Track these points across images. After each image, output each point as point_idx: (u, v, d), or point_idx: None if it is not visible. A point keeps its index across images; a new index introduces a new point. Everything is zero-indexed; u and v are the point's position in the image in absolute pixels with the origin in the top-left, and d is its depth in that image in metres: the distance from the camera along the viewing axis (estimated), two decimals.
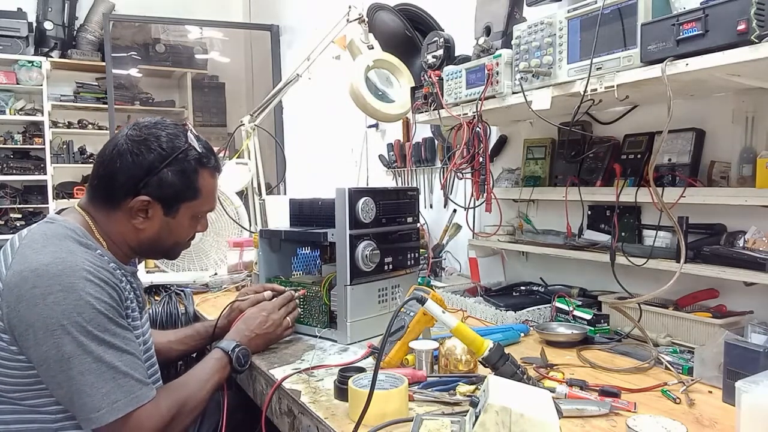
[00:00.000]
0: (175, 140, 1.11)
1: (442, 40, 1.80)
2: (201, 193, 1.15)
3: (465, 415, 0.89)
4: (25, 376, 0.98)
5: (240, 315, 1.39)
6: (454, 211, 2.17)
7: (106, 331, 0.98)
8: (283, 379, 1.16)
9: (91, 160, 4.64)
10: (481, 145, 1.64)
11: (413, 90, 1.85)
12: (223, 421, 1.26)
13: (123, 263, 1.16)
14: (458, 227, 2.14)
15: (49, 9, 4.57)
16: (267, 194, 2.53)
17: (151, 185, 1.09)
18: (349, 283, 1.39)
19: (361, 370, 1.09)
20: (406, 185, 2.51)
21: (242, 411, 1.42)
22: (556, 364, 1.22)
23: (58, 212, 1.15)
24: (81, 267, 0.98)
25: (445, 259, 2.22)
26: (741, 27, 0.95)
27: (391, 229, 1.51)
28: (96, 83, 4.90)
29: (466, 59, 1.65)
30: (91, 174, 1.15)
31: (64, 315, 0.94)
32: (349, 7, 2.16)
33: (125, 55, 5.10)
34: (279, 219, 2.40)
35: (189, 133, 1.14)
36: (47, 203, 4.53)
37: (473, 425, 0.76)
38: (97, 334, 0.96)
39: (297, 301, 1.46)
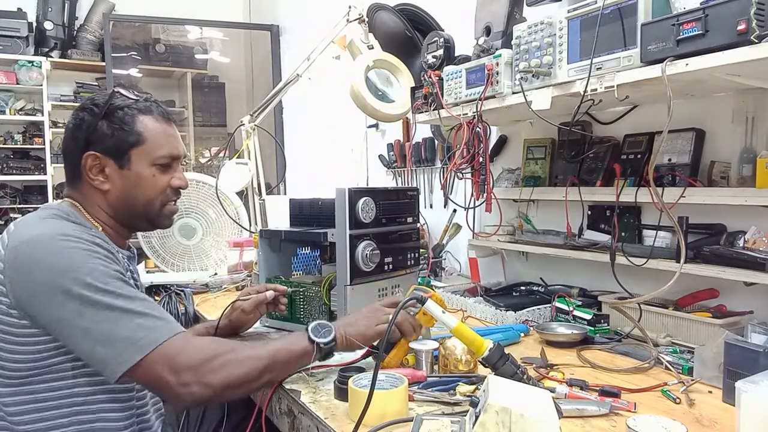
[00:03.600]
0: (105, 96, 1.15)
1: (442, 40, 1.80)
2: (144, 136, 1.13)
3: (465, 415, 0.89)
4: (36, 352, 0.99)
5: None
6: (454, 211, 2.17)
7: (109, 283, 0.96)
8: (283, 379, 1.16)
9: None
10: (481, 145, 1.64)
11: (413, 90, 1.85)
12: (223, 421, 1.26)
13: (120, 247, 1.17)
14: (458, 227, 2.14)
15: (49, 9, 4.57)
16: (267, 194, 2.52)
17: (93, 141, 1.12)
18: (349, 283, 1.38)
19: (361, 370, 1.09)
20: (406, 185, 2.51)
21: (242, 410, 1.42)
22: (556, 364, 1.22)
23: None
24: (70, 234, 1.00)
25: (445, 259, 2.22)
26: (741, 27, 0.95)
27: (391, 229, 1.51)
28: (96, 83, 4.89)
29: (466, 59, 1.65)
30: None
31: (60, 275, 0.94)
32: (349, 7, 2.16)
33: (125, 55, 5.09)
34: (279, 219, 2.40)
35: (122, 89, 1.17)
36: (47, 203, 4.54)
37: (473, 425, 0.76)
38: (100, 285, 0.95)
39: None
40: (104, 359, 0.93)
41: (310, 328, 1.08)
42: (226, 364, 0.96)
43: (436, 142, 2.36)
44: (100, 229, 1.14)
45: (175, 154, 1.19)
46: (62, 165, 1.19)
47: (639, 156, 1.48)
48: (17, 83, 4.46)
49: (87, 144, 1.12)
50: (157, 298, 2.00)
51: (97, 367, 0.96)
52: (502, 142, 2.03)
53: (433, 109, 1.72)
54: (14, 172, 4.53)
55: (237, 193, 2.55)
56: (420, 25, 2.14)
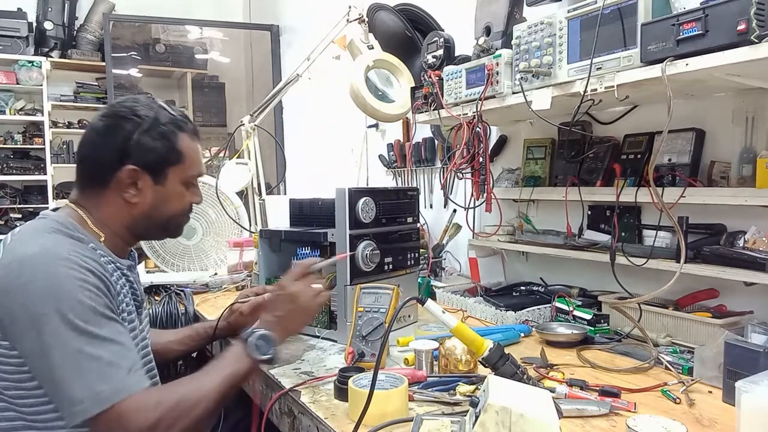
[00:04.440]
0: (147, 107, 1.12)
1: (442, 40, 1.80)
2: (184, 155, 1.13)
3: (465, 415, 0.89)
4: (21, 372, 0.97)
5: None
6: (454, 211, 2.17)
7: (89, 321, 0.94)
8: (291, 388, 1.13)
9: None
10: (481, 145, 1.64)
11: (413, 90, 1.85)
12: (220, 423, 1.26)
13: (119, 257, 1.14)
14: (458, 227, 2.14)
15: (49, 9, 4.57)
16: (267, 194, 2.53)
17: (133, 154, 1.08)
18: (349, 283, 1.38)
19: (361, 370, 1.09)
20: (406, 185, 2.51)
21: (242, 410, 1.42)
22: (556, 364, 1.22)
23: (54, 210, 1.13)
24: (65, 257, 0.97)
25: (445, 259, 2.22)
26: (741, 27, 0.95)
27: (391, 229, 1.51)
28: (96, 83, 4.90)
29: (466, 59, 1.65)
30: (76, 164, 1.14)
31: (44, 304, 0.92)
32: (349, 7, 2.16)
33: (125, 55, 5.10)
34: (279, 219, 2.40)
35: (157, 100, 1.16)
36: (47, 203, 4.53)
37: (473, 425, 0.76)
38: (78, 324, 0.93)
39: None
40: (68, 401, 0.91)
41: (249, 347, 1.08)
42: (181, 415, 0.96)
43: (436, 142, 2.36)
44: (103, 238, 1.10)
45: (203, 172, 1.22)
46: (62, 165, 1.17)
47: (639, 156, 1.48)
48: (17, 83, 4.46)
49: (123, 155, 1.08)
50: (157, 298, 2.01)
51: (57, 406, 0.95)
52: (502, 142, 2.03)
53: (433, 109, 1.72)
54: (14, 172, 4.53)
55: (237, 193, 2.55)
56: (420, 25, 2.14)
